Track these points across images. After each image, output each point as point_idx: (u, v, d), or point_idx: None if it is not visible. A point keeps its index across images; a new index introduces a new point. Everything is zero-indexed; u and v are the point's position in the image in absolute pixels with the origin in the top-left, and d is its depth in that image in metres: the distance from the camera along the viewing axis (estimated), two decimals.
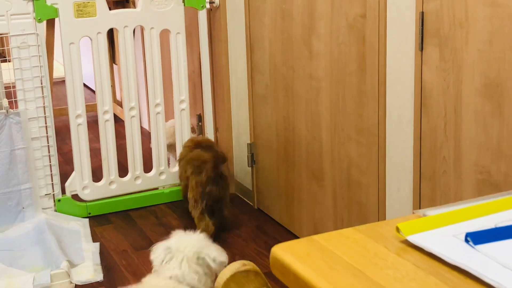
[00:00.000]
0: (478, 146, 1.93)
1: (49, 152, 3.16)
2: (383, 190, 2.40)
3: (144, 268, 2.79)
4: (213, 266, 2.02)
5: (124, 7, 4.00)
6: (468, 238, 0.93)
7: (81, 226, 3.15)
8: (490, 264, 0.88)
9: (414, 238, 0.96)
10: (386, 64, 2.29)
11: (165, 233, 3.10)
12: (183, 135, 3.44)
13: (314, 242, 0.99)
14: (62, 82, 3.33)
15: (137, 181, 3.40)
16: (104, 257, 2.88)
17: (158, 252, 2.05)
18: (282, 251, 0.97)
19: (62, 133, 4.11)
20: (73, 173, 3.26)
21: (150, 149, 3.44)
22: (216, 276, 2.00)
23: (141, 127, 3.55)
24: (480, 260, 0.89)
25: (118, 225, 3.22)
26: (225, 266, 2.10)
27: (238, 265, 1.03)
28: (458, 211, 1.03)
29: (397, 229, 0.99)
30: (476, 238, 0.93)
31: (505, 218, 1.00)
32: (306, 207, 2.92)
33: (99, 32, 3.17)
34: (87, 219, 3.25)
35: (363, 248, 0.97)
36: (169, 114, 3.50)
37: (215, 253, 2.05)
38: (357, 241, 0.99)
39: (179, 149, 3.41)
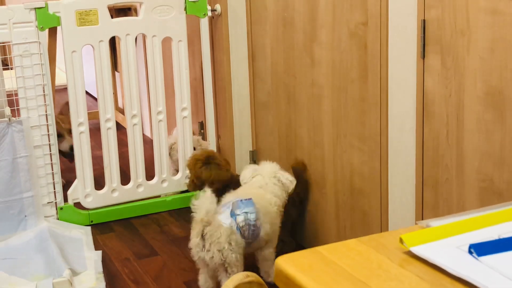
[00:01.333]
0: (481, 153, 1.93)
1: (51, 160, 3.16)
2: (386, 197, 2.40)
3: (146, 276, 2.79)
4: (286, 182, 2.69)
5: (126, 15, 4.01)
6: (472, 250, 0.93)
7: (84, 234, 3.14)
8: (493, 276, 0.87)
9: (417, 250, 0.96)
10: (388, 71, 2.29)
11: (167, 241, 3.10)
12: (185, 142, 3.44)
13: (317, 254, 0.99)
14: (64, 90, 3.33)
15: (139, 189, 3.40)
16: (107, 265, 2.88)
17: (247, 171, 2.74)
18: (286, 263, 0.97)
19: None
20: (76, 181, 3.26)
21: (153, 156, 3.44)
22: (288, 193, 2.70)
23: (143, 135, 3.54)
24: (483, 271, 0.89)
25: (121, 233, 3.22)
26: (293, 186, 2.70)
27: (241, 277, 1.03)
28: (461, 222, 1.03)
29: (401, 240, 0.99)
30: (480, 249, 0.93)
31: (508, 229, 0.99)
32: (308, 215, 2.92)
33: (101, 40, 3.18)
34: (89, 227, 3.24)
35: (366, 260, 0.97)
36: (171, 121, 3.50)
37: (287, 174, 2.72)
38: (361, 253, 0.99)
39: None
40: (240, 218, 2.35)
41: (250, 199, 2.42)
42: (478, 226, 1.01)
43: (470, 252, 0.94)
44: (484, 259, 0.92)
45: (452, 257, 0.93)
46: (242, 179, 2.73)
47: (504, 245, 0.94)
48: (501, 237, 0.97)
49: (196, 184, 2.92)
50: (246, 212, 2.37)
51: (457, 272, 0.89)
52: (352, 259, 0.97)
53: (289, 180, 2.70)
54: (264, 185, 2.65)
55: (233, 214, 2.35)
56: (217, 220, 2.31)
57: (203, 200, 2.29)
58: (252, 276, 1.03)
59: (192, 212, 2.32)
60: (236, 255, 2.34)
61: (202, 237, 2.31)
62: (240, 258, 2.37)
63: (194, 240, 2.34)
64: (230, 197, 2.51)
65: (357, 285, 0.90)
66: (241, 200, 2.39)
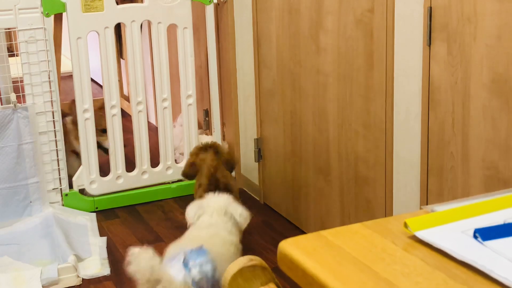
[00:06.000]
0: (486, 141, 1.92)
1: (56, 147, 3.17)
2: (390, 185, 2.39)
3: None
4: (239, 219, 2.33)
5: (131, 1, 4.00)
6: (477, 234, 0.93)
7: (88, 221, 3.16)
8: (498, 260, 0.87)
9: (422, 234, 0.96)
10: (394, 59, 2.28)
11: (171, 227, 3.11)
12: (190, 130, 3.44)
13: (321, 238, 0.99)
14: (69, 76, 3.33)
15: (144, 175, 3.41)
16: (111, 251, 2.89)
17: (191, 209, 2.36)
18: (290, 246, 0.97)
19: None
20: (81, 168, 3.27)
21: (157, 143, 3.44)
22: (242, 231, 2.34)
23: (148, 122, 3.55)
24: (488, 256, 0.89)
25: (125, 219, 3.23)
26: (248, 222, 2.34)
27: (245, 260, 1.03)
28: (466, 207, 1.03)
29: (405, 225, 0.98)
30: (485, 234, 0.93)
31: None
32: (313, 202, 2.92)
33: (106, 27, 3.17)
34: (94, 214, 3.26)
35: (370, 244, 0.97)
36: (176, 109, 3.50)
37: (240, 209, 2.36)
38: (365, 237, 0.99)
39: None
40: (195, 272, 1.92)
41: (201, 247, 1.99)
42: (483, 211, 1.01)
43: (475, 237, 0.93)
44: (489, 243, 0.91)
45: (457, 242, 0.93)
46: (187, 218, 2.37)
47: (509, 230, 0.94)
48: (506, 222, 0.97)
49: (189, 172, 2.82)
50: (200, 264, 1.94)
51: (462, 257, 0.89)
52: (357, 243, 0.97)
53: (243, 217, 2.34)
54: (214, 223, 2.26)
55: (186, 266, 1.93)
56: (168, 275, 1.89)
57: (142, 257, 1.86)
58: (255, 259, 1.03)
59: (134, 271, 1.89)
60: None
61: None
62: None
63: None
64: (176, 246, 2.12)
65: (361, 269, 0.90)
66: (192, 250, 1.96)
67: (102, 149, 3.39)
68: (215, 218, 2.28)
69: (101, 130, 3.33)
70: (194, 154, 2.88)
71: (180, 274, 1.91)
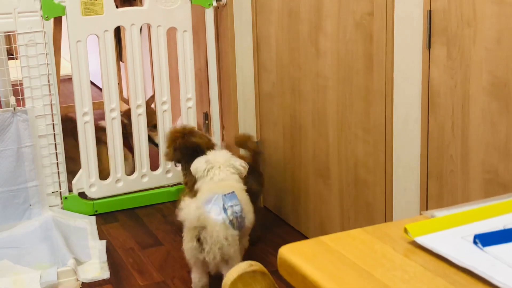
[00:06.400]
0: (486, 145, 1.92)
1: (56, 150, 3.17)
2: (390, 189, 2.39)
3: (150, 265, 2.79)
4: (241, 169, 2.64)
5: (131, 5, 4.00)
6: (477, 240, 0.93)
7: (88, 224, 3.15)
8: (498, 266, 0.87)
9: (422, 240, 0.96)
10: (393, 62, 2.28)
11: (171, 231, 3.11)
12: None
13: (321, 243, 0.99)
14: (69, 80, 3.33)
15: (143, 179, 3.40)
16: (111, 254, 2.89)
17: (200, 163, 2.63)
18: (290, 252, 0.97)
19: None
20: (80, 171, 3.27)
21: (157, 146, 3.44)
22: (245, 179, 2.67)
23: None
24: (488, 262, 0.89)
25: (125, 223, 3.23)
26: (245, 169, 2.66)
27: (245, 266, 1.03)
28: (466, 212, 1.03)
29: (405, 230, 0.98)
30: (485, 239, 0.93)
31: None
32: (313, 206, 2.92)
33: (106, 30, 3.17)
34: (94, 217, 3.25)
35: (370, 249, 0.97)
36: (176, 112, 3.50)
37: (239, 160, 2.68)
38: (365, 242, 0.99)
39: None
40: (230, 212, 2.36)
41: (233, 192, 2.41)
42: (483, 216, 1.01)
43: (475, 243, 0.93)
44: (489, 249, 0.91)
45: (456, 248, 0.93)
46: (195, 172, 2.66)
47: (509, 236, 0.94)
48: (506, 227, 0.97)
49: (171, 155, 2.97)
50: (232, 206, 2.37)
51: (461, 262, 0.89)
52: (357, 248, 0.97)
53: (242, 166, 2.68)
54: (225, 177, 2.59)
55: (224, 209, 2.35)
56: (211, 221, 2.28)
57: (190, 207, 2.24)
58: (256, 265, 1.03)
59: (180, 220, 2.28)
60: (234, 248, 2.35)
61: (199, 240, 2.29)
62: (238, 249, 2.39)
63: (191, 245, 2.31)
64: (204, 194, 2.49)
65: (361, 274, 0.90)
66: (225, 195, 2.39)
67: (153, 144, 3.47)
68: (224, 171, 2.59)
69: (153, 126, 3.40)
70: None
71: (219, 216, 2.31)
